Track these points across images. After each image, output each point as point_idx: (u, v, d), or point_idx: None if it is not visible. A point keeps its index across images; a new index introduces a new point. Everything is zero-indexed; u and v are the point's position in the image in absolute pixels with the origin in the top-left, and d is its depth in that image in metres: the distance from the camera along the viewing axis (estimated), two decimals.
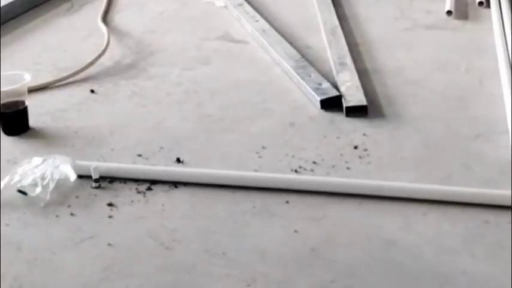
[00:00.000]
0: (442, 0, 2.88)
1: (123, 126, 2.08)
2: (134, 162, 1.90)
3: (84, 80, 2.37)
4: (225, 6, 2.94)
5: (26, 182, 1.75)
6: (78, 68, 2.40)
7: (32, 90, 2.20)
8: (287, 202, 1.72)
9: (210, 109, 2.17)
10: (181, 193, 1.77)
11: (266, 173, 1.82)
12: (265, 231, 1.63)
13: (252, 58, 2.51)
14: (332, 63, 2.38)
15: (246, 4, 2.90)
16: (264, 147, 1.94)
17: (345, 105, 2.11)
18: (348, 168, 1.84)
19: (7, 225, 1.67)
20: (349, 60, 2.39)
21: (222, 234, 1.62)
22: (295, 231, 1.62)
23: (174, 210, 1.71)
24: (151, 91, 2.29)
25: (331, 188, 1.75)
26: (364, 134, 1.99)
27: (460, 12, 2.79)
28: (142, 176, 1.82)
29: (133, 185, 1.79)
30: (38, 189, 1.74)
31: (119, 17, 2.90)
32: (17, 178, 1.76)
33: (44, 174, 1.76)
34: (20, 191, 1.75)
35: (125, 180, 1.81)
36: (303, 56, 2.44)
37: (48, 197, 1.73)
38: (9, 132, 2.05)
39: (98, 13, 2.88)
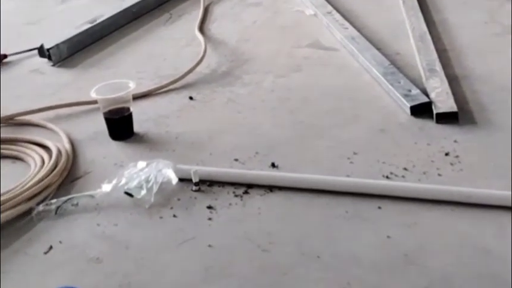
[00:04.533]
0: None
1: (220, 131, 2.16)
2: (231, 166, 1.96)
3: (183, 87, 2.48)
4: (315, 15, 2.99)
5: (132, 185, 1.84)
6: (178, 76, 2.50)
7: (136, 97, 2.30)
8: (379, 208, 1.74)
9: (302, 115, 2.22)
10: (276, 197, 1.81)
11: (358, 179, 1.84)
12: (358, 236, 1.65)
13: (342, 65, 2.55)
14: (421, 70, 2.39)
15: (335, 12, 2.94)
16: (355, 153, 1.97)
17: (435, 111, 2.11)
18: (439, 174, 1.85)
19: (115, 225, 1.76)
20: (438, 66, 2.39)
21: (316, 238, 1.66)
22: (388, 236, 1.64)
23: (269, 213, 1.76)
24: (246, 98, 2.37)
25: (423, 195, 1.76)
26: (455, 141, 1.99)
27: None
28: (239, 180, 1.88)
29: (231, 189, 1.85)
30: (143, 192, 1.83)
31: (214, 27, 3.00)
32: (123, 181, 1.85)
33: (148, 177, 1.85)
34: (126, 193, 1.84)
35: (223, 183, 1.87)
36: (392, 62, 2.45)
37: (152, 199, 1.81)
38: (116, 137, 2.15)
39: (195, 23, 2.99)
